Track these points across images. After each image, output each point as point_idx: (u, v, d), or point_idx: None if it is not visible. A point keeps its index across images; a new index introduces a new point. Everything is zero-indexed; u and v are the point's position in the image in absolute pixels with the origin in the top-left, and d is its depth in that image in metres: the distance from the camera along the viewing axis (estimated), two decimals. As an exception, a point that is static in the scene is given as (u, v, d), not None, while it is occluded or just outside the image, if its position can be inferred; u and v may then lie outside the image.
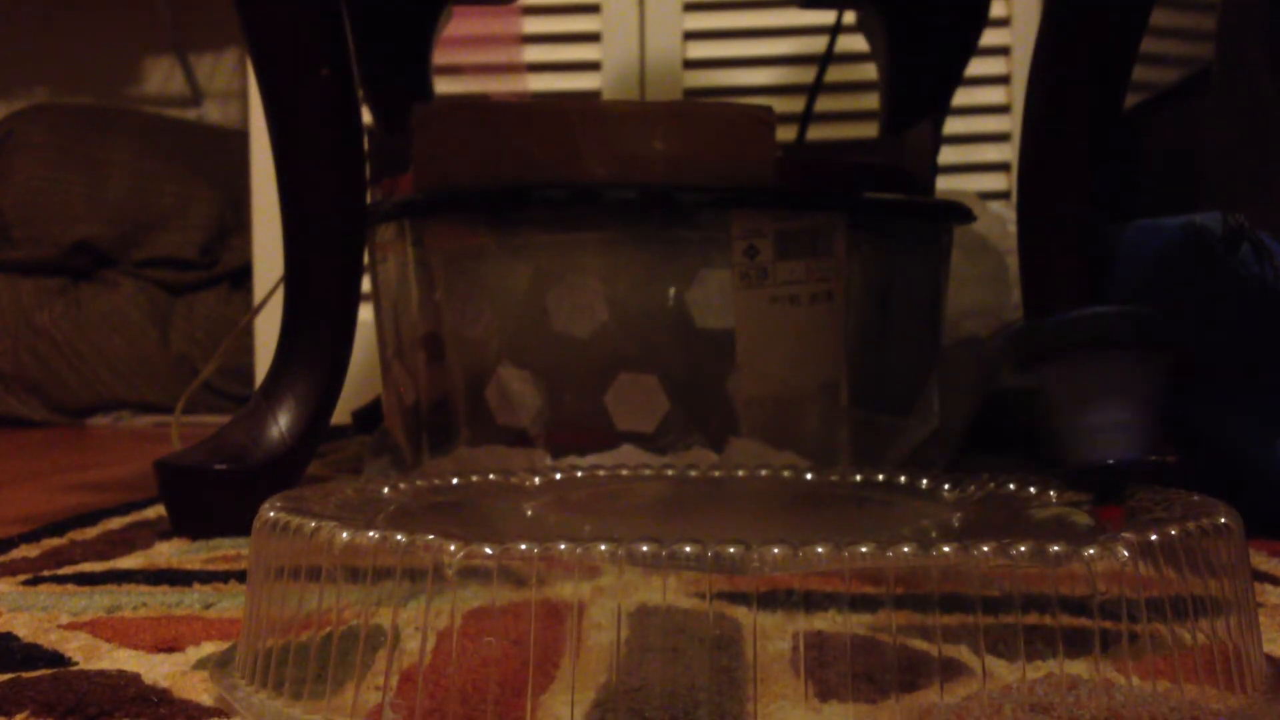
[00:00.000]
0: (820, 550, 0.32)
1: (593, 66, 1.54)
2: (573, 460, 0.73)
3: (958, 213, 0.85)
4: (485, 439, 0.76)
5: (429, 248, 0.78)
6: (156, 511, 0.78)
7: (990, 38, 1.31)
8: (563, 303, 0.74)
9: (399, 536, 0.34)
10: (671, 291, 0.74)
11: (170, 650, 0.44)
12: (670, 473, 0.57)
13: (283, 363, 0.73)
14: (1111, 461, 0.40)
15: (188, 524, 0.70)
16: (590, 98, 1.52)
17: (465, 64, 1.52)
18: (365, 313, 0.77)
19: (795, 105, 1.19)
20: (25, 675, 0.41)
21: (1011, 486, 0.49)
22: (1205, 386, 0.74)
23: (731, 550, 0.32)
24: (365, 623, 0.34)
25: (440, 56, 1.13)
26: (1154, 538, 0.34)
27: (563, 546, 0.33)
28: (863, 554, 0.32)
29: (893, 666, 0.36)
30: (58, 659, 0.43)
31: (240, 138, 1.74)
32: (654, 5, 1.53)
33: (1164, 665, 0.34)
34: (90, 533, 0.71)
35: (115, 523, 0.75)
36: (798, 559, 0.32)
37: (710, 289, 0.74)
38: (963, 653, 0.36)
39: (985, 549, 0.32)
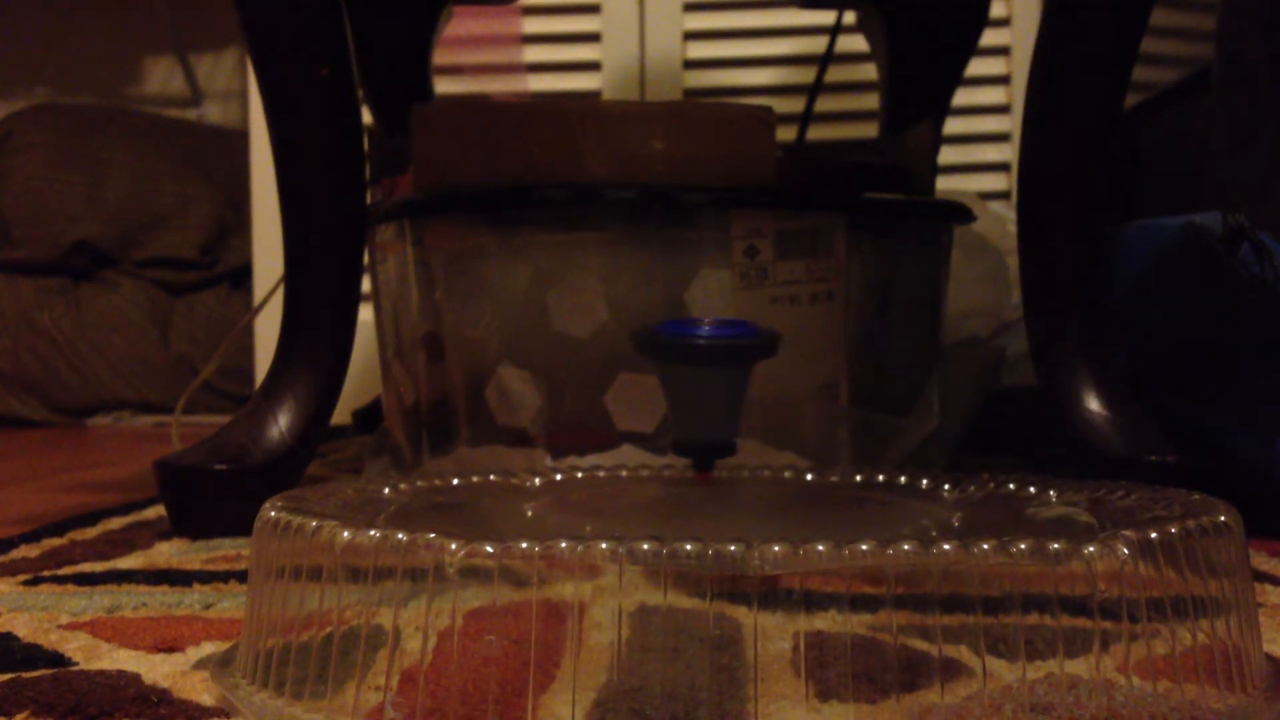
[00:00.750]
0: (820, 549, 0.32)
1: (593, 67, 1.54)
2: (573, 460, 0.73)
3: (958, 213, 0.85)
4: (485, 439, 0.76)
5: (429, 248, 0.78)
6: (156, 511, 0.78)
7: (990, 38, 1.31)
8: (563, 303, 0.74)
9: (400, 536, 0.34)
10: (671, 291, 0.74)
11: (170, 650, 0.44)
12: (670, 473, 0.57)
13: (283, 363, 0.73)
14: (705, 441, 0.53)
15: (188, 524, 0.70)
16: (590, 98, 1.52)
17: (465, 64, 1.52)
18: (365, 313, 0.77)
19: (795, 105, 1.19)
20: (25, 675, 0.41)
21: (1011, 486, 0.49)
22: (1205, 386, 0.74)
23: (732, 549, 0.32)
24: (366, 622, 0.34)
25: (440, 56, 1.13)
26: (1154, 536, 0.34)
27: (563, 546, 0.33)
28: (863, 553, 0.32)
29: (893, 666, 0.36)
30: (58, 659, 0.43)
31: (240, 138, 1.74)
32: (654, 6, 1.53)
33: (1164, 665, 0.34)
34: (90, 533, 0.71)
35: (115, 523, 0.75)
36: (798, 558, 0.32)
37: (710, 289, 0.74)
38: (963, 653, 0.36)
39: (985, 547, 0.33)
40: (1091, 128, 0.72)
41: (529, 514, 0.47)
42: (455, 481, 0.52)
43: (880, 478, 0.54)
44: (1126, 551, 0.33)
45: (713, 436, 0.53)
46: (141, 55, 2.21)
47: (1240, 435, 0.71)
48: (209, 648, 0.44)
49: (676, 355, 0.52)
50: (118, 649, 0.44)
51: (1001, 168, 1.53)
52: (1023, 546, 0.33)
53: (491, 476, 0.53)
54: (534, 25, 1.55)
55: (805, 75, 1.44)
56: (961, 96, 1.11)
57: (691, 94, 1.53)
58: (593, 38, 1.54)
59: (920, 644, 0.37)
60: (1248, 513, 0.40)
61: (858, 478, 0.54)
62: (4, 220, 1.93)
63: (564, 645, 0.37)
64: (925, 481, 0.52)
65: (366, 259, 0.81)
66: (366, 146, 0.77)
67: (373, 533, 0.35)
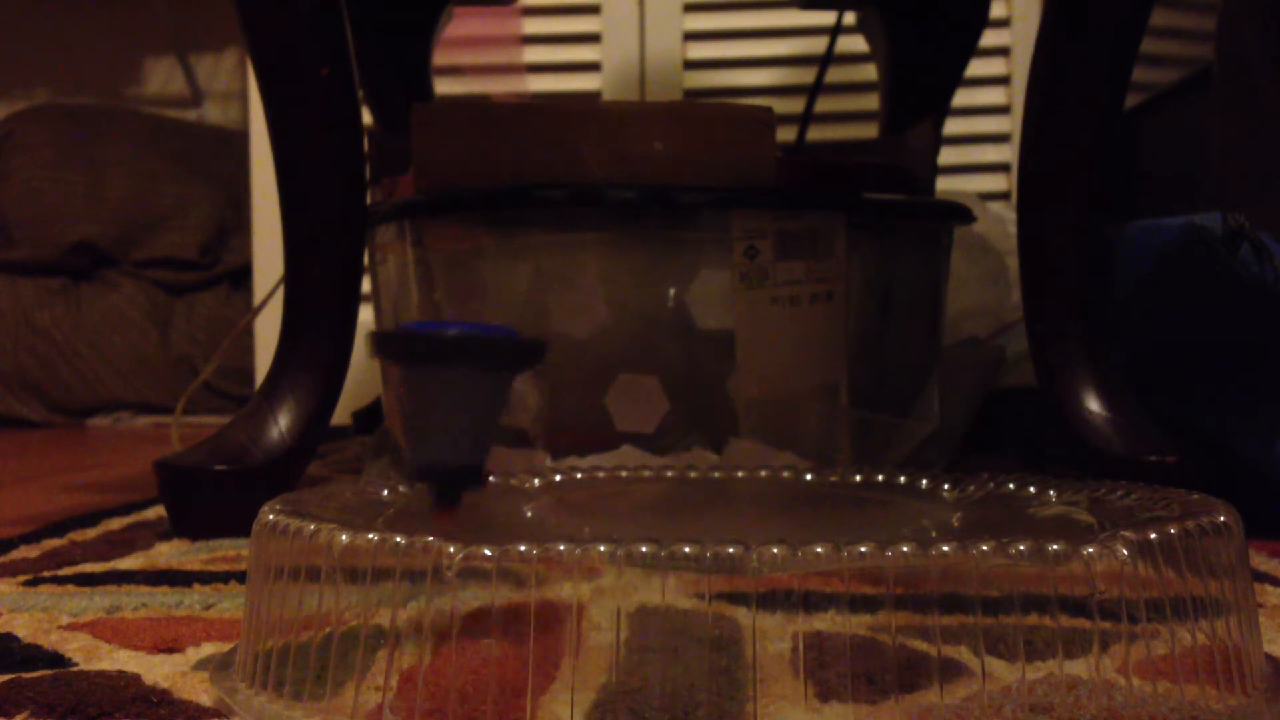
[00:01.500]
0: (820, 550, 0.32)
1: (593, 67, 1.54)
2: (573, 461, 0.73)
3: (958, 213, 0.85)
4: (485, 439, 0.76)
5: (429, 248, 0.78)
6: (157, 512, 0.78)
7: (990, 38, 1.31)
8: (563, 303, 0.74)
9: (398, 538, 0.34)
10: (671, 292, 0.74)
11: (170, 651, 0.44)
12: (670, 473, 0.57)
13: (283, 363, 0.73)
14: (450, 466, 0.44)
15: (188, 524, 0.70)
16: (590, 98, 1.52)
17: (465, 64, 1.52)
18: (365, 313, 0.77)
19: (795, 106, 1.19)
20: (25, 676, 0.41)
21: (1011, 486, 0.49)
22: (1205, 386, 0.74)
23: (731, 550, 0.32)
24: (365, 623, 0.34)
25: (440, 57, 1.13)
26: (1154, 536, 0.34)
27: (562, 548, 0.33)
28: (862, 554, 0.32)
29: (892, 667, 0.36)
30: (58, 659, 0.43)
31: (240, 138, 1.74)
32: (654, 6, 1.53)
33: (1164, 666, 0.34)
34: (90, 533, 0.71)
35: (115, 523, 0.75)
36: (797, 559, 0.32)
37: (710, 289, 0.74)
38: (962, 653, 0.36)
39: (985, 549, 0.32)
40: (1091, 128, 0.72)
41: (528, 515, 0.47)
42: (455, 482, 0.52)
43: (880, 478, 0.53)
44: (1126, 552, 0.33)
45: (458, 459, 0.44)
46: (141, 55, 2.21)
47: (1240, 435, 0.71)
48: (209, 648, 0.44)
49: (417, 354, 0.43)
50: (118, 649, 0.44)
51: (1001, 168, 1.52)
52: (1022, 548, 0.33)
53: (491, 477, 0.53)
54: (534, 26, 1.55)
55: (805, 76, 1.44)
56: (961, 97, 1.11)
57: (691, 94, 1.53)
58: (593, 38, 1.54)
59: (920, 644, 0.37)
60: (1247, 513, 0.40)
61: (858, 478, 0.54)
62: (4, 220, 1.93)
63: (563, 646, 0.37)
64: (925, 481, 0.52)
65: (366, 259, 0.81)
66: (366, 146, 0.77)
67: (371, 536, 0.35)
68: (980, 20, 1.05)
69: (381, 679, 0.34)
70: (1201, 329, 0.73)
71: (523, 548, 0.33)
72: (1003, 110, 1.52)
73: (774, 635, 0.39)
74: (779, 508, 0.53)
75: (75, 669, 0.42)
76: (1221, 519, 0.37)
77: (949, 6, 1.04)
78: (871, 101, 1.15)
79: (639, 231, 0.75)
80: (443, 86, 1.27)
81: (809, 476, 0.55)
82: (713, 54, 1.54)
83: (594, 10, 1.53)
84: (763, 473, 0.56)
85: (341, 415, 0.88)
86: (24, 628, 0.48)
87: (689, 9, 1.54)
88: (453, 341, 0.43)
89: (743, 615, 0.41)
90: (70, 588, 0.55)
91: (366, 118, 0.84)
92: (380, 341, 0.46)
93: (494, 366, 0.44)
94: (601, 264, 0.75)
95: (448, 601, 0.33)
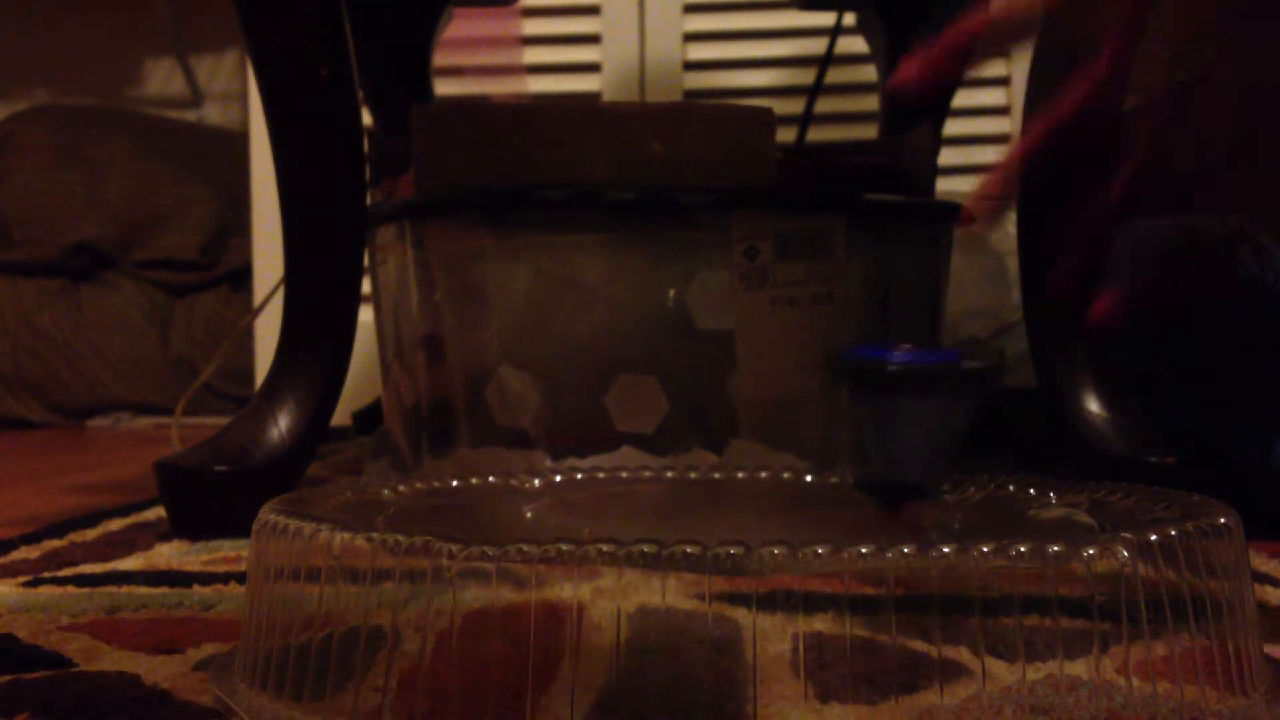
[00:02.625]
0: (819, 551, 0.32)
1: (593, 68, 1.54)
2: (572, 462, 0.73)
3: (957, 214, 0.85)
4: (485, 440, 0.76)
5: (429, 249, 0.78)
6: (156, 513, 0.78)
7: (990, 38, 1.31)
8: (563, 303, 0.74)
9: (398, 538, 0.34)
10: (671, 292, 0.74)
11: (170, 652, 0.44)
12: (670, 474, 0.57)
13: (283, 364, 0.73)
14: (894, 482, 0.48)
15: (188, 525, 0.70)
16: (590, 99, 1.52)
17: (465, 65, 1.52)
18: (365, 314, 0.77)
19: (795, 107, 1.19)
20: (25, 677, 0.41)
21: (1011, 487, 0.49)
22: (1205, 387, 0.74)
23: (731, 552, 0.32)
24: (365, 624, 0.34)
25: (440, 58, 1.13)
26: (1154, 538, 0.34)
27: (562, 548, 0.33)
28: (862, 555, 0.32)
29: (892, 668, 0.36)
30: (58, 660, 0.43)
31: (240, 139, 1.74)
32: (654, 7, 1.53)
33: (1164, 665, 0.34)
34: (90, 534, 0.71)
35: (115, 524, 0.75)
36: (797, 560, 0.32)
37: (710, 290, 0.74)
38: (962, 654, 0.36)
39: (984, 549, 0.32)
40: (1092, 128, 0.72)
41: (528, 515, 0.48)
42: (455, 483, 0.52)
43: (880, 479, 0.53)
44: (1126, 554, 0.33)
45: (904, 477, 0.47)
46: (141, 56, 2.21)
47: (1240, 435, 0.71)
48: (209, 649, 0.44)
49: (871, 382, 0.46)
50: (118, 650, 0.44)
51: (1001, 169, 1.52)
52: (1022, 549, 0.33)
53: (491, 478, 0.53)
54: (534, 27, 1.55)
55: (805, 77, 1.44)
56: (961, 98, 1.11)
57: (691, 95, 1.53)
58: (593, 39, 1.54)
59: (920, 645, 0.37)
60: (1247, 514, 0.40)
61: (858, 479, 0.54)
62: (4, 221, 1.93)
63: (563, 647, 0.37)
64: (925, 482, 0.52)
65: (367, 260, 0.81)
66: (366, 147, 0.77)
67: (371, 536, 0.35)
68: (980, 21, 1.05)
69: (381, 679, 0.34)
70: (1201, 329, 0.73)
71: (523, 548, 0.33)
72: (1002, 111, 1.52)
73: (774, 636, 0.39)
74: (779, 509, 0.53)
75: (75, 670, 0.42)
76: (1221, 520, 0.37)
77: (949, 8, 1.04)
78: (871, 102, 1.15)
79: (639, 232, 0.75)
80: (443, 87, 1.27)
81: (809, 477, 0.55)
82: (713, 55, 1.54)
83: (594, 11, 1.53)
84: (763, 473, 0.56)
85: (342, 415, 0.88)
86: (24, 629, 0.48)
87: (689, 10, 1.54)
88: (898, 373, 0.45)
89: (743, 616, 0.41)
90: (70, 589, 0.55)
91: (366, 118, 0.84)
92: (840, 366, 0.49)
93: (941, 394, 0.46)
94: (601, 264, 0.75)
95: (448, 601, 0.33)
